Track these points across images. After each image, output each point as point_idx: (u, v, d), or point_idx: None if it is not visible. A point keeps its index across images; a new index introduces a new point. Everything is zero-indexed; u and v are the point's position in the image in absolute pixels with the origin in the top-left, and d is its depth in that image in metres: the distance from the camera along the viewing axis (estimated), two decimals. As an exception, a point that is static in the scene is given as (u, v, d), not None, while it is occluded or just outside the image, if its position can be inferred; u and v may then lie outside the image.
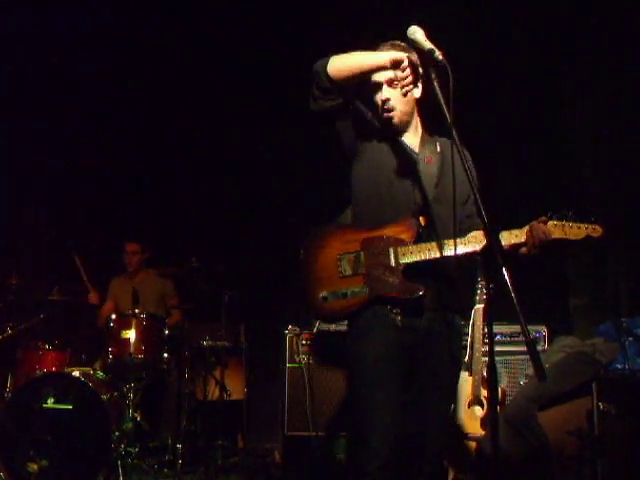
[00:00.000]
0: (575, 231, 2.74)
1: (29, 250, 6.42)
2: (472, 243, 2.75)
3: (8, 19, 6.04)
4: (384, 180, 2.89)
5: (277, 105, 6.26)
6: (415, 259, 2.77)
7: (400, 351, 2.77)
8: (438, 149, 2.97)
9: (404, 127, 2.95)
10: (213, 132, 6.60)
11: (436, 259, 2.74)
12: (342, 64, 2.79)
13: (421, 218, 2.84)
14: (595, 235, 2.75)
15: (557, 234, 2.73)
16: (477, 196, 2.42)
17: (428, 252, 2.75)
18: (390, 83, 2.86)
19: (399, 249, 2.79)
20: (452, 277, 2.86)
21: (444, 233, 2.78)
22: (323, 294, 2.84)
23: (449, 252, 2.72)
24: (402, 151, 2.94)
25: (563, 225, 2.73)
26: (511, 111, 5.88)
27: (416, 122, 3.00)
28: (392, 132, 2.94)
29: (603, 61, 5.65)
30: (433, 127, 3.00)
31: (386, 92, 2.87)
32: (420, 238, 2.80)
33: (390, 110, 2.88)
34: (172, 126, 6.60)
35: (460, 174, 2.67)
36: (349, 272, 2.84)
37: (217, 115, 6.54)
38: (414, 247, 2.78)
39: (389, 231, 2.83)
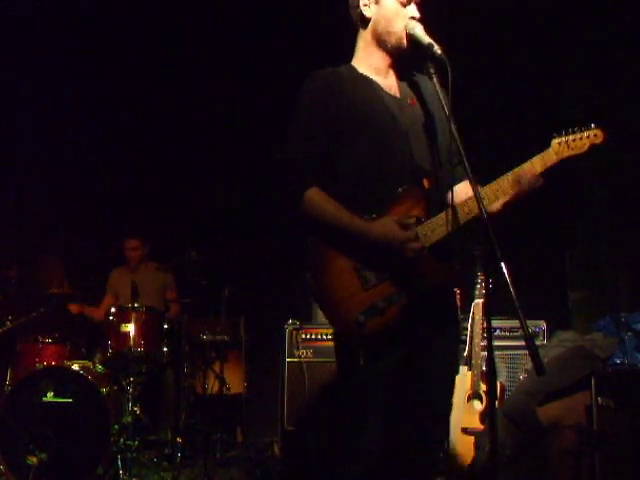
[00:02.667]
0: (579, 143, 2.53)
1: (29, 243, 6.42)
2: (493, 197, 2.48)
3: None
4: (376, 145, 2.54)
5: (278, 102, 6.24)
6: (441, 235, 2.43)
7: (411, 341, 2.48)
8: (421, 87, 2.69)
9: (407, 52, 2.63)
10: (213, 124, 6.60)
11: (458, 229, 2.43)
12: (317, 216, 2.50)
13: (425, 180, 2.52)
14: (598, 141, 2.54)
15: (565, 153, 2.52)
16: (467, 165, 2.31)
17: (451, 223, 2.41)
18: (418, 4, 2.63)
19: (419, 230, 2.43)
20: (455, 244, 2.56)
21: (443, 195, 2.51)
22: (360, 319, 2.37)
23: (471, 216, 2.43)
24: (383, 97, 2.61)
25: (567, 141, 2.52)
26: (510, 107, 5.89)
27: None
28: (394, 51, 2.64)
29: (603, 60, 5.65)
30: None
31: (415, 10, 2.62)
32: (430, 207, 2.48)
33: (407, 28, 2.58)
34: (173, 119, 6.59)
35: (444, 122, 2.51)
36: (374, 280, 2.43)
37: (217, 108, 6.53)
38: (434, 222, 2.44)
39: (397, 212, 2.45)
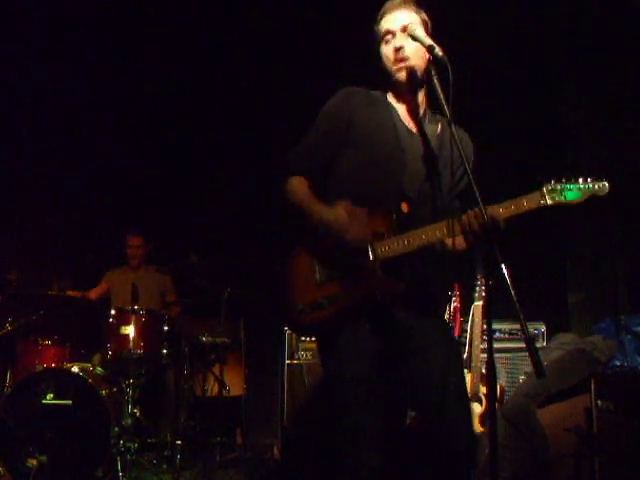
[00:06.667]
0: (575, 193, 2.45)
1: (29, 245, 6.42)
2: (458, 227, 2.46)
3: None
4: (371, 162, 2.65)
5: (279, 104, 6.27)
6: (393, 253, 2.53)
7: (378, 357, 2.55)
8: (439, 130, 2.75)
9: (412, 86, 2.68)
10: (215, 127, 6.60)
11: (415, 250, 2.52)
12: (291, 199, 2.73)
13: (404, 204, 2.61)
14: (601, 193, 2.45)
15: (556, 200, 2.44)
16: (475, 188, 2.30)
17: (406, 244, 2.52)
18: (404, 30, 2.64)
19: (376, 244, 2.55)
20: (429, 269, 2.68)
21: (429, 219, 2.58)
22: (299, 306, 2.60)
23: (427, 241, 2.51)
24: (398, 127, 2.70)
25: (561, 189, 2.44)
26: (510, 105, 5.91)
27: (423, 91, 2.75)
28: (400, 88, 2.71)
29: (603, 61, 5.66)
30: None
31: (400, 39, 2.64)
32: (401, 227, 2.56)
33: (404, 60, 2.62)
34: (173, 120, 6.60)
35: (455, 160, 2.56)
36: (325, 277, 2.60)
37: (220, 110, 6.54)
38: (393, 240, 2.54)
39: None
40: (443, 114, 2.51)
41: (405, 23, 2.64)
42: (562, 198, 2.45)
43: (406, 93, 2.73)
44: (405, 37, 2.63)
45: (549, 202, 2.45)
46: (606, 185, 2.46)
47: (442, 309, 4.43)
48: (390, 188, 2.63)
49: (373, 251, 2.55)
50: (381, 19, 2.72)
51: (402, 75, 2.65)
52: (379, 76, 2.77)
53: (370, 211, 2.58)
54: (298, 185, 2.73)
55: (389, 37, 2.67)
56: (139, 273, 6.14)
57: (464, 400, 2.70)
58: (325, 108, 2.79)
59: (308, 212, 2.64)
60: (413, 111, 2.75)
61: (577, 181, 2.46)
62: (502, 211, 2.44)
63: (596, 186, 2.46)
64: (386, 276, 2.54)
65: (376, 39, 2.73)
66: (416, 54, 2.62)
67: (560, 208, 2.49)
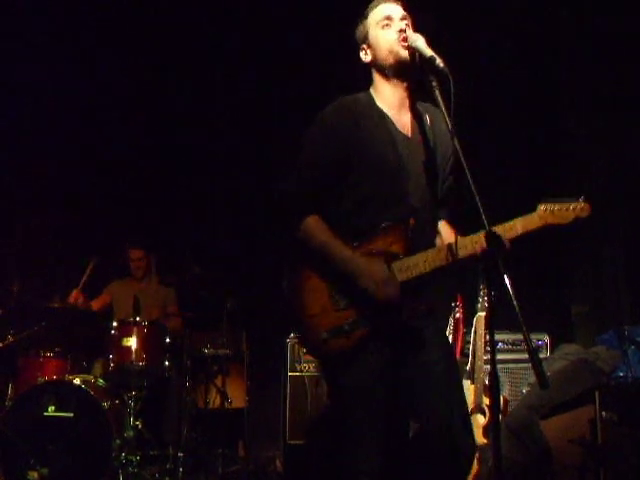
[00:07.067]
0: (564, 214, 2.50)
1: (31, 257, 6.41)
2: (471, 247, 2.48)
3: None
4: (375, 181, 2.61)
5: (282, 113, 6.28)
6: (413, 275, 2.51)
7: (385, 364, 2.55)
8: (428, 121, 2.71)
9: (412, 68, 2.61)
10: (216, 140, 6.61)
11: (432, 271, 2.50)
12: (311, 242, 2.60)
13: (412, 220, 2.57)
14: (583, 215, 2.51)
15: (549, 220, 2.50)
16: (476, 195, 2.29)
17: (424, 264, 2.50)
18: (404, 19, 2.66)
19: (394, 265, 2.52)
20: (439, 281, 2.63)
21: (430, 225, 2.63)
22: (323, 335, 2.50)
23: (448, 260, 2.49)
24: (395, 137, 2.66)
25: (552, 209, 2.50)
26: (510, 110, 5.92)
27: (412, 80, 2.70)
28: (396, 71, 2.65)
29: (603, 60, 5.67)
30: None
31: (401, 24, 2.64)
32: (411, 244, 2.55)
33: (407, 40, 2.58)
34: (175, 133, 6.60)
35: (446, 156, 2.60)
36: (344, 303, 2.53)
37: (221, 123, 6.55)
38: (409, 260, 2.52)
39: (379, 244, 2.55)
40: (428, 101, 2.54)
41: (404, 13, 2.67)
42: (554, 219, 2.51)
43: (401, 77, 2.67)
44: (405, 25, 2.63)
45: (548, 221, 2.50)
46: (587, 206, 2.51)
47: (444, 319, 4.43)
48: (399, 206, 2.60)
49: (392, 274, 2.51)
50: (375, 7, 2.71)
51: (405, 54, 2.59)
52: (365, 74, 2.76)
53: (381, 231, 2.56)
54: (315, 226, 2.61)
55: (389, 22, 2.66)
56: (142, 285, 6.13)
57: (466, 410, 2.72)
58: (318, 133, 2.70)
59: (336, 258, 2.54)
60: (403, 106, 2.71)
61: (566, 200, 2.51)
62: (501, 231, 2.42)
63: (579, 207, 2.51)
64: (409, 298, 2.51)
65: (362, 32, 2.73)
66: (416, 38, 2.60)
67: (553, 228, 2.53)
